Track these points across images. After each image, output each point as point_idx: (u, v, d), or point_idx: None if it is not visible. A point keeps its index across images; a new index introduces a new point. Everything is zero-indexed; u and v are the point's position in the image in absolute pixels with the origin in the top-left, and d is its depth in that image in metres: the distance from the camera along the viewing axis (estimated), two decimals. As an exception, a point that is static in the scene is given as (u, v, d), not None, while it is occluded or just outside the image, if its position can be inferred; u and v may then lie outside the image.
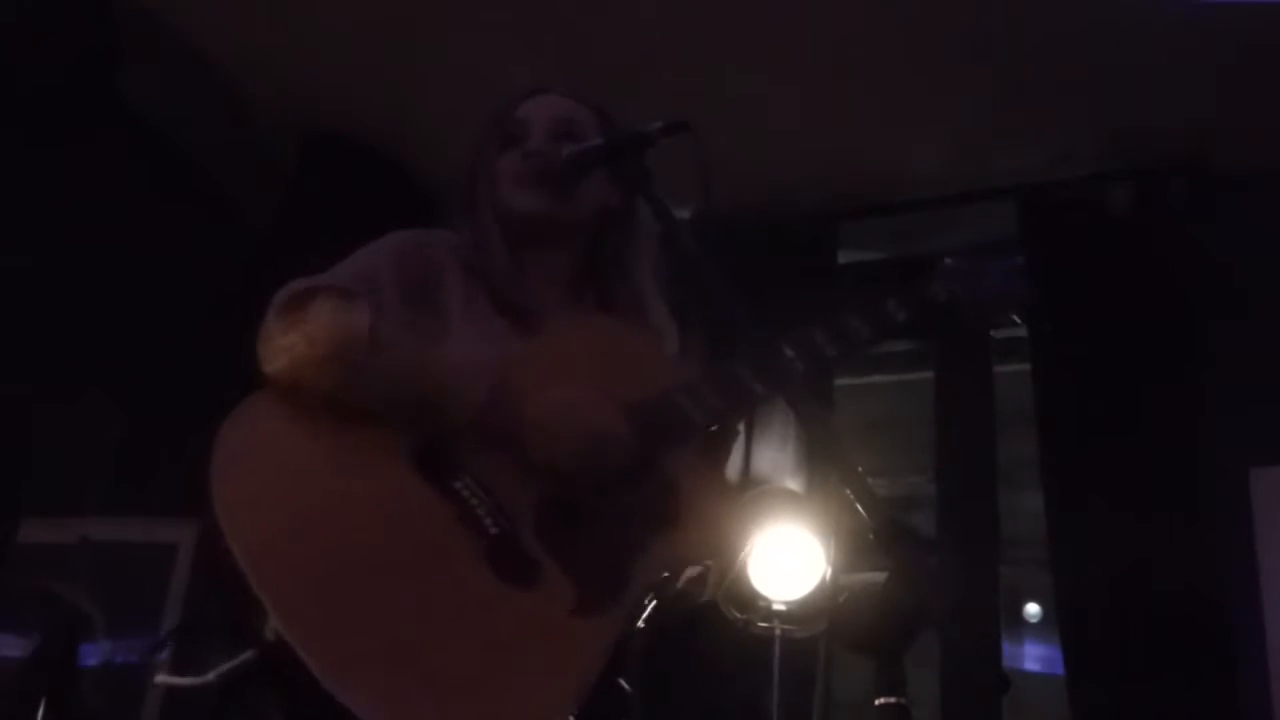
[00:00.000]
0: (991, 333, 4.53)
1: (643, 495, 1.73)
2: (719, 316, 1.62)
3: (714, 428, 1.84)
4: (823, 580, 3.87)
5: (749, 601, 3.86)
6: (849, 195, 4.73)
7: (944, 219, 4.73)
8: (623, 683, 1.80)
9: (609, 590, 1.63)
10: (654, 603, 1.70)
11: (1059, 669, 4.04)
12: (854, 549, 3.96)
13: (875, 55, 4.06)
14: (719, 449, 1.90)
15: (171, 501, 4.50)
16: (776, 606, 3.83)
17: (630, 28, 3.99)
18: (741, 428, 2.03)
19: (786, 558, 3.82)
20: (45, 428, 4.00)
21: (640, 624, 1.71)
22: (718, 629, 3.86)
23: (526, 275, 1.93)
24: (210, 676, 1.71)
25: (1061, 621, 4.05)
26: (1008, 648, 5.10)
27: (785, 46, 4.03)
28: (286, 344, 1.67)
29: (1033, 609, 5.76)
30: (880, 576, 3.71)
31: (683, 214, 1.70)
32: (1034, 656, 5.70)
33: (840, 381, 4.56)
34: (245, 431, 1.64)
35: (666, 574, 1.69)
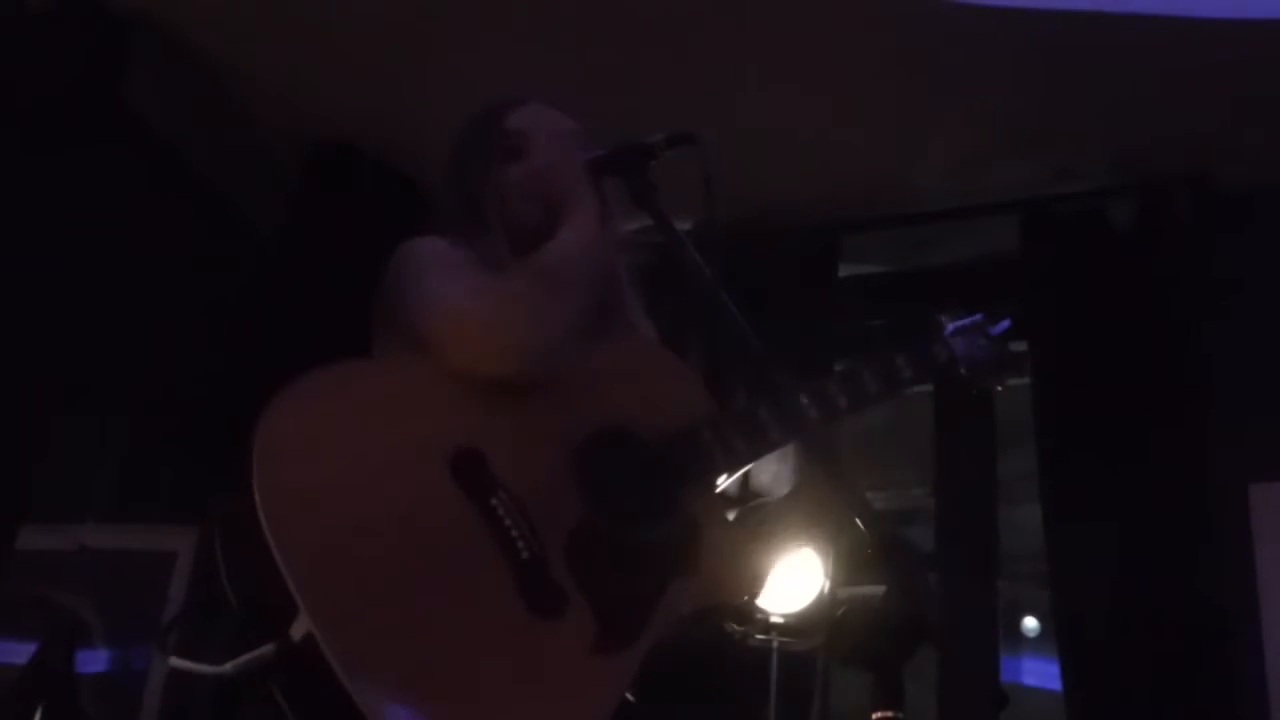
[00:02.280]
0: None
1: (667, 534, 1.73)
2: (719, 330, 1.62)
3: (732, 469, 1.85)
4: (821, 594, 3.87)
5: (747, 614, 3.86)
6: (851, 208, 4.73)
7: (946, 232, 4.73)
8: (629, 696, 1.80)
9: (629, 630, 1.62)
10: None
11: (1057, 684, 4.04)
12: (852, 562, 3.96)
13: (878, 68, 4.06)
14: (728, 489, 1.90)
15: (171, 509, 4.51)
16: (774, 619, 3.83)
17: (633, 39, 4.00)
18: None
19: (785, 571, 3.82)
20: (45, 435, 3.99)
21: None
22: (715, 642, 3.85)
23: None
24: (227, 667, 1.70)
25: (1060, 636, 4.05)
26: (1006, 662, 5.09)
27: (788, 60, 4.04)
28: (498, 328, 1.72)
29: (1031, 623, 5.76)
30: (878, 590, 3.71)
31: (684, 226, 1.70)
32: (1032, 671, 5.69)
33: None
34: (291, 422, 1.59)
35: (682, 616, 1.68)
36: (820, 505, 1.99)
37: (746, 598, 1.86)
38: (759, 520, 2.04)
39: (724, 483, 1.86)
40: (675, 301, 2.07)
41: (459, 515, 1.60)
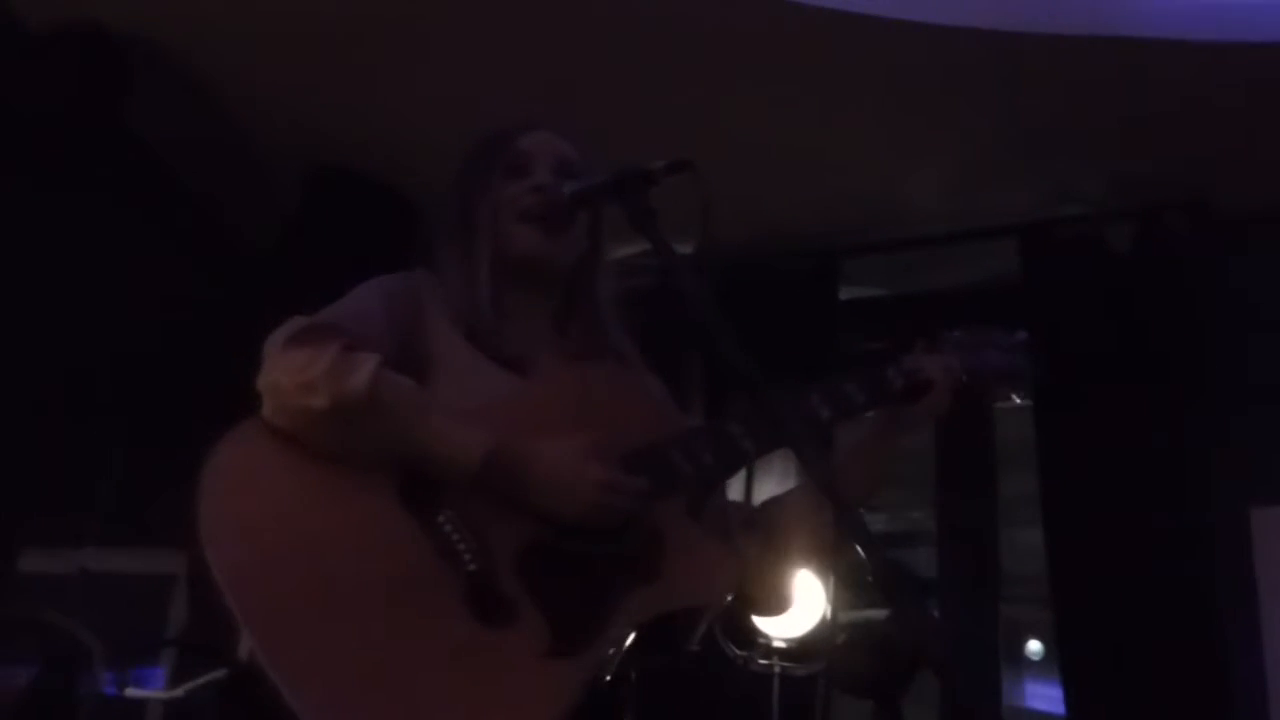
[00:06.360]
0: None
1: (626, 545, 1.72)
2: (718, 354, 1.62)
3: (703, 484, 1.84)
4: (823, 619, 3.87)
5: (749, 639, 3.85)
6: (851, 231, 4.74)
7: (947, 256, 4.74)
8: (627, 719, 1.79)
9: (583, 636, 1.61)
10: (638, 650, 1.70)
11: (1061, 707, 4.03)
12: (853, 587, 3.96)
13: (877, 92, 4.07)
14: (705, 502, 1.89)
15: (170, 533, 4.50)
16: (776, 644, 3.83)
17: (632, 64, 4.01)
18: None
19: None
20: (45, 459, 3.99)
21: (622, 668, 1.71)
22: (718, 666, 3.85)
23: (509, 314, 1.93)
24: (179, 692, 1.74)
25: (1063, 659, 4.04)
26: (1009, 685, 5.08)
27: (787, 82, 4.05)
28: (283, 389, 1.65)
29: (1034, 646, 5.75)
30: (879, 615, 3.71)
31: (684, 252, 1.70)
32: (1035, 694, 5.68)
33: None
34: (237, 455, 1.64)
35: (643, 623, 1.67)
36: (822, 526, 1.96)
37: (731, 603, 1.83)
38: (758, 528, 2.02)
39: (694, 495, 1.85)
40: (674, 326, 2.07)
41: (404, 534, 1.62)
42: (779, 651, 3.83)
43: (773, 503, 2.06)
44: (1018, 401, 2.18)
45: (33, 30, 3.97)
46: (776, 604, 2.05)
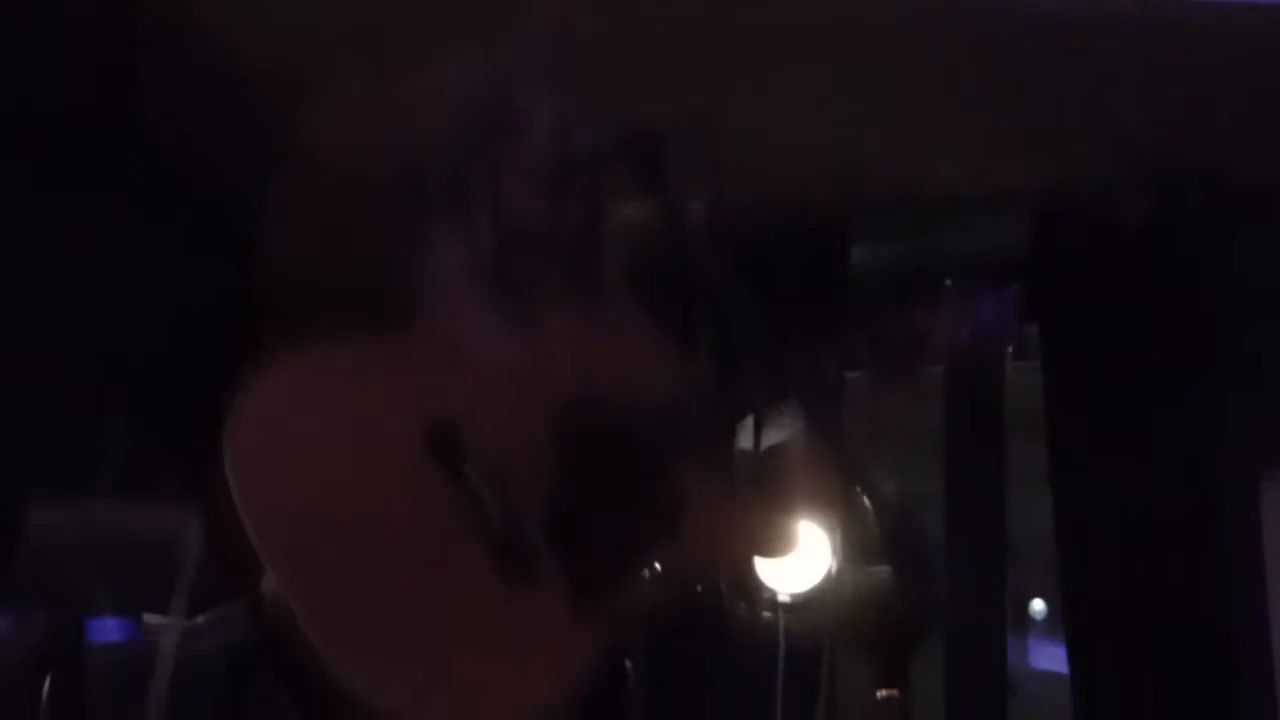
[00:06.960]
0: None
1: (649, 503, 1.74)
2: (728, 317, 1.62)
3: (721, 439, 1.87)
4: (829, 573, 3.88)
5: (754, 593, 3.87)
6: (862, 198, 4.73)
7: (958, 226, 4.72)
8: (627, 663, 1.81)
9: (606, 594, 1.64)
10: (654, 605, 1.72)
11: (1064, 666, 4.05)
12: (861, 545, 3.97)
13: (887, 57, 4.05)
14: (724, 459, 1.91)
15: (180, 489, 4.53)
16: (782, 599, 3.84)
17: (637, 24, 3.99)
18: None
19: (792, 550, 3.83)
20: (52, 414, 4.01)
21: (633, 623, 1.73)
22: (723, 622, 3.87)
23: (516, 274, 1.90)
24: (199, 620, 1.75)
25: (1067, 620, 4.06)
26: (1012, 645, 5.12)
27: (797, 48, 4.02)
28: None
29: (1038, 606, 5.78)
30: (885, 570, 3.71)
31: (693, 213, 1.70)
32: (1040, 654, 5.71)
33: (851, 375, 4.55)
34: (264, 395, 1.62)
35: (665, 582, 1.70)
36: (825, 475, 1.97)
37: (746, 561, 1.87)
38: (764, 475, 2.04)
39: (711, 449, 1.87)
40: (684, 288, 2.07)
41: (429, 485, 1.61)
42: (784, 606, 3.84)
43: (777, 450, 2.07)
44: (1009, 351, 2.19)
45: (42, 25, 3.95)
46: (781, 547, 2.07)
